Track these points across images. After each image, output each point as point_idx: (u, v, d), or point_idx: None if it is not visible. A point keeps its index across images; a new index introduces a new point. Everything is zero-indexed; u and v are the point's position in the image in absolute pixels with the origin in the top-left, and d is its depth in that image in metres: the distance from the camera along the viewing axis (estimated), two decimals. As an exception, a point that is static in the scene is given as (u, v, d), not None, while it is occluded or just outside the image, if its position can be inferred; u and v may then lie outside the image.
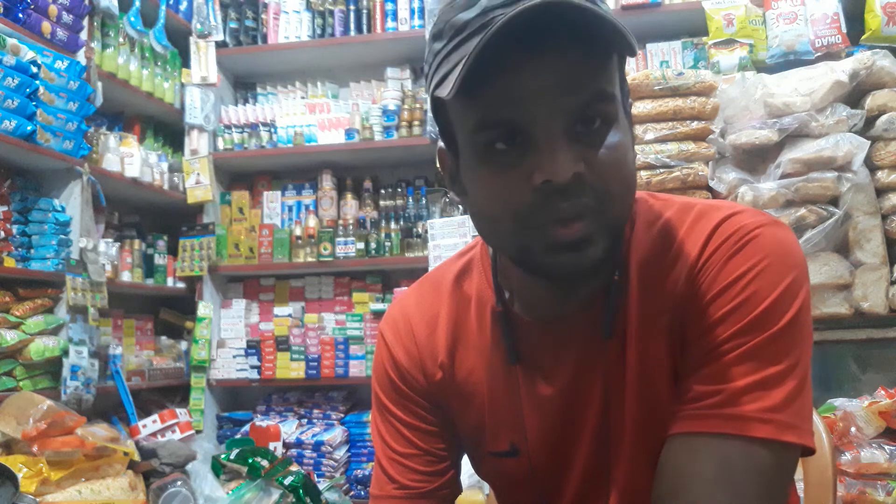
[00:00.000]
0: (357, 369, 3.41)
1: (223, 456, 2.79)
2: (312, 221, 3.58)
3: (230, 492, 2.61)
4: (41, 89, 2.56)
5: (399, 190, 3.61)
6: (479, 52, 0.64)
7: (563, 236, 0.68)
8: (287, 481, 2.65)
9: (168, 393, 3.45)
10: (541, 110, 0.67)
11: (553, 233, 0.68)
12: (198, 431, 3.22)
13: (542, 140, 0.68)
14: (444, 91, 0.67)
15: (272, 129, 3.63)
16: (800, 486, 1.04)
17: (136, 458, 2.48)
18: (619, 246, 0.77)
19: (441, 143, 0.80)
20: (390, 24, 3.60)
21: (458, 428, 0.89)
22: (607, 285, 0.78)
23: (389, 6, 3.61)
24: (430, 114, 3.35)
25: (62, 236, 2.70)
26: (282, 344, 3.49)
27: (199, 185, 3.54)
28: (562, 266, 0.70)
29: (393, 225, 3.51)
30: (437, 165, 3.08)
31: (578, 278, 0.72)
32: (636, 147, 0.76)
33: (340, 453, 3.30)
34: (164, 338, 3.55)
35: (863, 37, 2.72)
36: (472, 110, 0.70)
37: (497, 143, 0.69)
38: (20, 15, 2.58)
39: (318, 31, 3.67)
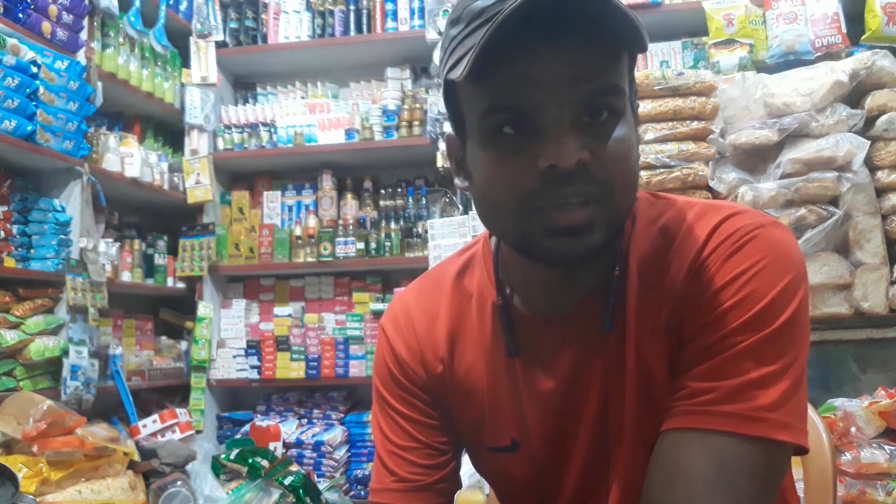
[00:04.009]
0: (357, 369, 3.40)
1: (223, 456, 2.79)
2: (312, 221, 3.58)
3: (230, 492, 2.61)
4: (41, 89, 2.56)
5: (399, 190, 3.61)
6: (491, 35, 0.65)
7: (564, 221, 0.69)
8: (287, 481, 2.65)
9: (168, 393, 3.45)
10: (550, 98, 0.68)
11: (554, 217, 0.69)
12: (198, 431, 3.22)
13: (549, 127, 0.69)
14: (456, 73, 0.68)
15: (272, 129, 3.63)
16: (800, 486, 1.04)
17: (136, 458, 2.48)
18: (619, 238, 0.78)
19: (450, 130, 0.81)
20: (390, 24, 3.60)
21: (458, 423, 0.90)
22: (607, 281, 0.79)
23: (389, 6, 3.61)
24: (429, 113, 3.36)
25: (62, 236, 2.70)
26: (282, 344, 3.49)
27: (199, 185, 3.54)
28: (560, 250, 0.71)
29: (393, 225, 3.51)
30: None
31: (576, 264, 0.73)
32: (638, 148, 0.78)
33: (340, 453, 3.30)
34: (164, 338, 3.54)
35: (863, 37, 2.72)
36: (482, 94, 0.71)
37: (505, 128, 0.71)
38: (20, 15, 2.58)
39: (318, 31, 3.67)
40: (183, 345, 3.57)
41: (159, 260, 3.52)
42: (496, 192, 0.73)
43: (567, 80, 0.68)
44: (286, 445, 3.26)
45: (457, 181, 0.82)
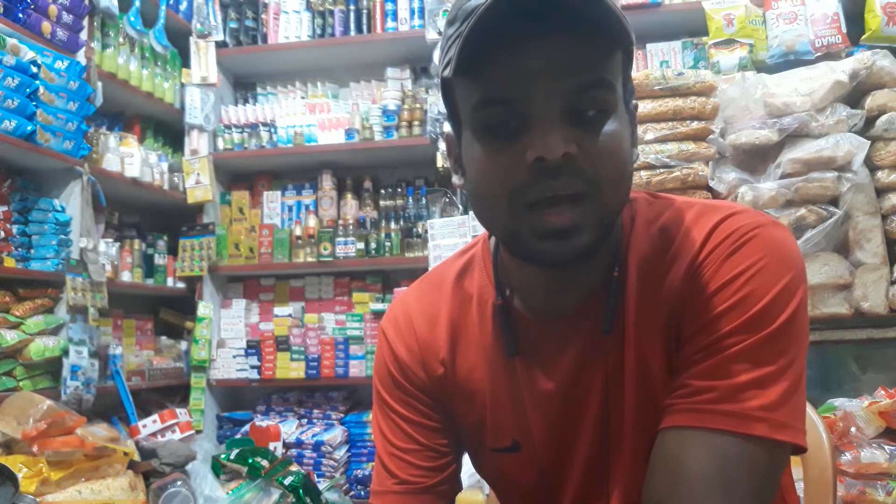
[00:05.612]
0: (357, 369, 3.41)
1: (223, 456, 2.79)
2: (312, 221, 3.58)
3: (230, 492, 2.61)
4: (41, 89, 2.56)
5: (399, 190, 3.61)
6: (473, 28, 0.66)
7: (552, 223, 0.70)
8: (287, 481, 2.65)
9: (168, 393, 3.45)
10: (538, 91, 0.69)
11: (542, 218, 0.70)
12: (198, 431, 3.22)
13: (537, 119, 0.69)
14: (447, 70, 0.70)
15: (272, 129, 3.63)
16: (800, 486, 1.04)
17: (136, 458, 2.49)
18: (610, 237, 0.78)
19: (448, 128, 0.82)
20: (390, 24, 3.60)
21: (460, 424, 0.90)
22: (607, 282, 0.79)
23: (389, 6, 3.61)
24: (429, 113, 3.35)
25: (62, 236, 2.70)
26: (282, 344, 3.49)
27: (199, 185, 3.54)
28: (548, 253, 0.71)
29: (393, 225, 3.51)
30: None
31: (564, 265, 0.73)
32: (637, 148, 0.79)
33: (340, 453, 3.30)
34: (164, 338, 3.55)
35: (863, 37, 2.71)
36: (473, 89, 0.72)
37: (495, 122, 0.71)
38: (20, 15, 2.58)
39: (318, 31, 3.67)
40: (183, 345, 3.57)
41: (159, 260, 3.52)
42: (487, 185, 0.73)
43: (554, 73, 0.68)
44: (286, 445, 3.26)
45: (454, 179, 0.83)
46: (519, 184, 0.70)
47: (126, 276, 3.27)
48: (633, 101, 0.78)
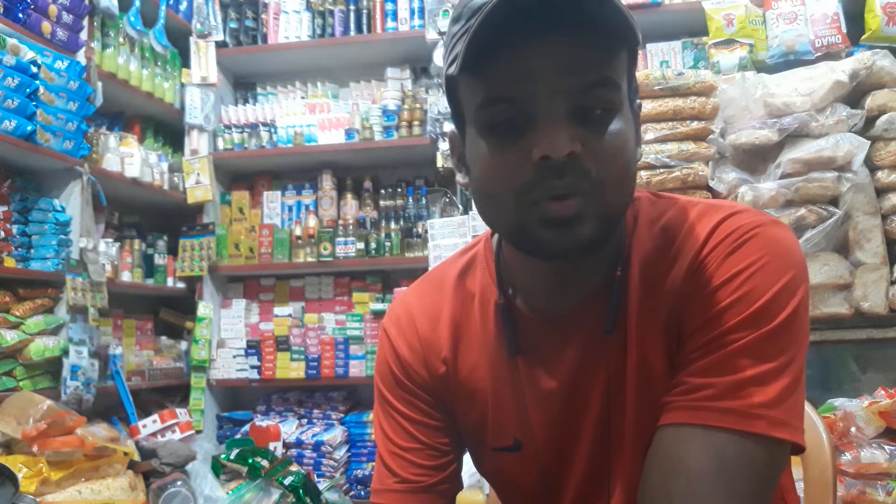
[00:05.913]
0: (357, 369, 3.41)
1: (223, 456, 2.79)
2: (312, 221, 3.58)
3: (230, 492, 2.61)
4: (41, 89, 2.56)
5: (399, 190, 3.61)
6: (480, 26, 0.66)
7: (555, 211, 0.70)
8: (287, 481, 2.65)
9: (168, 393, 3.45)
10: (543, 89, 0.69)
11: (546, 208, 0.70)
12: (198, 431, 3.22)
13: (542, 118, 0.69)
14: (453, 68, 0.70)
15: (272, 129, 3.63)
16: (800, 486, 1.04)
17: (136, 458, 2.49)
18: (613, 236, 0.78)
19: (450, 127, 0.82)
20: (390, 24, 3.60)
21: (461, 423, 0.90)
22: (609, 281, 0.79)
23: (389, 6, 3.61)
24: (429, 113, 3.36)
25: (62, 236, 2.70)
26: (282, 344, 3.49)
27: (199, 185, 3.54)
28: (552, 242, 0.71)
29: (393, 225, 3.51)
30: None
31: (568, 256, 0.73)
32: (641, 147, 0.79)
33: (340, 453, 3.30)
34: (164, 338, 3.55)
35: (863, 37, 2.72)
36: (478, 87, 0.72)
37: (500, 121, 0.71)
38: (20, 15, 2.58)
39: (318, 31, 3.67)
40: (183, 345, 3.57)
41: (159, 260, 3.52)
42: (492, 185, 0.73)
43: (559, 72, 0.68)
44: (286, 445, 3.26)
45: (458, 177, 0.83)
46: (524, 182, 0.70)
47: (126, 276, 3.27)
48: (638, 101, 0.78)
